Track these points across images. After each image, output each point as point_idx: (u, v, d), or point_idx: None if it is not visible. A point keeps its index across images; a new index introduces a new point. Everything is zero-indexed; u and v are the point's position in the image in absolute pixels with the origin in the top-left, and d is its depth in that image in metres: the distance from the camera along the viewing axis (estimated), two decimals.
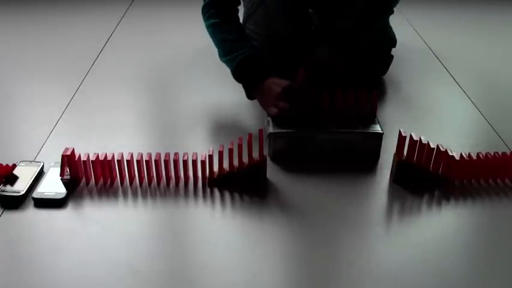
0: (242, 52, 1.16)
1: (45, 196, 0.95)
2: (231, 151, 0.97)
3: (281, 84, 1.10)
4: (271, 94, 1.10)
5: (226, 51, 1.19)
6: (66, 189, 0.96)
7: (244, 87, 1.18)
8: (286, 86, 1.09)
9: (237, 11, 1.26)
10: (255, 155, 0.98)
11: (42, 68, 1.49)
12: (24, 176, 0.99)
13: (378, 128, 1.08)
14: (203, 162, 0.98)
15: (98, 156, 0.98)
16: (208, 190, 0.98)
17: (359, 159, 1.07)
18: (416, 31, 1.78)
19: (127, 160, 0.98)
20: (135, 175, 1.01)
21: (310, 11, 1.28)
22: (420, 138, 0.98)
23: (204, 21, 1.25)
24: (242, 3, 1.36)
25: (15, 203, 0.94)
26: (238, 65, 1.15)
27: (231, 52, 1.17)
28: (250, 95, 1.18)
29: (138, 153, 0.99)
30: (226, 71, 1.18)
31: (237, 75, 1.17)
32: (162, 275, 0.80)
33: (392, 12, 1.30)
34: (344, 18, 1.23)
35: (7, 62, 1.54)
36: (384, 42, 1.36)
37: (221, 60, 1.21)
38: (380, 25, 1.27)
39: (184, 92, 1.36)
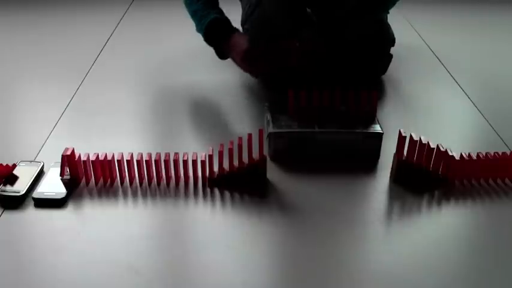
0: (209, 17, 1.22)
1: (45, 196, 0.95)
2: (231, 151, 0.97)
3: (247, 38, 1.14)
4: (239, 47, 1.13)
5: (198, 20, 1.25)
6: (66, 189, 0.96)
7: (214, 48, 1.23)
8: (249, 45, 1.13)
9: None
10: (255, 155, 0.98)
11: (42, 68, 1.49)
12: (24, 176, 0.99)
13: (378, 128, 1.08)
14: (203, 162, 0.98)
15: (98, 156, 0.98)
16: (208, 190, 0.98)
17: (359, 159, 1.07)
18: (416, 31, 1.78)
19: (127, 160, 0.98)
20: (135, 175, 1.01)
21: (308, 10, 1.28)
22: (420, 138, 0.98)
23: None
24: (240, 4, 1.36)
25: (15, 203, 0.94)
26: (206, 28, 1.21)
27: (201, 19, 1.23)
28: (221, 55, 1.23)
29: (138, 153, 0.99)
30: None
31: (207, 38, 1.23)
32: (162, 275, 0.80)
33: (387, 12, 1.30)
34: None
35: (7, 62, 1.54)
36: (382, 40, 1.36)
37: (196, 31, 1.27)
38: (371, 19, 1.27)
39: (184, 92, 1.36)
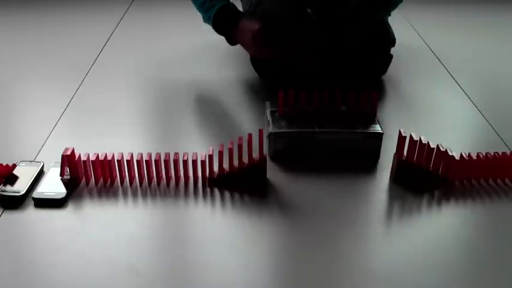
0: (215, 6, 1.23)
1: (45, 196, 0.95)
2: (231, 151, 0.97)
3: (256, 20, 1.16)
4: (248, 31, 1.17)
5: (204, 11, 1.26)
6: (66, 189, 0.96)
7: (224, 35, 1.25)
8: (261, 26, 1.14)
9: None
10: (255, 155, 0.98)
11: (42, 68, 1.49)
12: (24, 176, 0.99)
13: (378, 128, 1.08)
14: (203, 162, 0.98)
15: (98, 156, 0.98)
16: (208, 190, 0.98)
17: (359, 159, 1.07)
18: (416, 31, 1.78)
19: (127, 160, 0.98)
20: (135, 175, 1.01)
21: (309, 10, 1.28)
22: (420, 138, 0.98)
23: None
24: (240, 3, 1.36)
25: (15, 203, 0.94)
26: (214, 17, 1.23)
27: (208, 10, 1.25)
28: (230, 41, 1.25)
29: (138, 153, 0.99)
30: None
31: (216, 27, 1.25)
32: (162, 275, 0.80)
33: (389, 14, 1.30)
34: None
35: (7, 62, 1.54)
36: (383, 41, 1.36)
37: (204, 22, 1.28)
38: (372, 21, 1.27)
39: (184, 92, 1.36)
